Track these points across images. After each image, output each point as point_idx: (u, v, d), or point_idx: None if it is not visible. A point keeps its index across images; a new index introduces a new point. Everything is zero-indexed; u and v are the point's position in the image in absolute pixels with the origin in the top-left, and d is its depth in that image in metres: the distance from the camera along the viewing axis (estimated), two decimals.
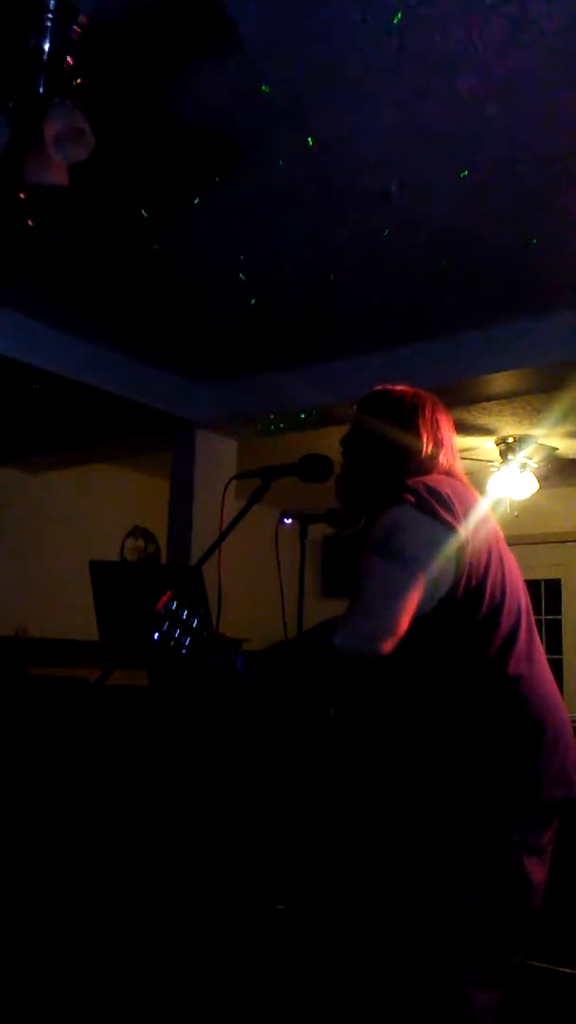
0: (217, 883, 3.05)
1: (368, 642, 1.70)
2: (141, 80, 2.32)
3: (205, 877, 3.07)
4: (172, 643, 1.76)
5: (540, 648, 1.88)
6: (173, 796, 3.23)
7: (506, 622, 1.81)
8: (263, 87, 2.46)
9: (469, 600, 1.79)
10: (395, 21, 2.24)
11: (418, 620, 1.75)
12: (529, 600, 1.91)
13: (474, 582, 1.79)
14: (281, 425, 5.02)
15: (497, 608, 1.80)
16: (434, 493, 1.80)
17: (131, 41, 2.17)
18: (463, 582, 1.78)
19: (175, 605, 1.76)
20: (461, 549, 1.77)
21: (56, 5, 2.10)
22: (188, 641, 1.77)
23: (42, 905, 3.18)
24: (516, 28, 2.26)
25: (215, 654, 1.81)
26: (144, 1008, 2.82)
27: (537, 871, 1.74)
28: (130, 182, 2.68)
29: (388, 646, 1.69)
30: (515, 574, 1.90)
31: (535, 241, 3.21)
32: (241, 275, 3.52)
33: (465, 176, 2.84)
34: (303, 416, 4.86)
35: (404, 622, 1.70)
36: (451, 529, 1.77)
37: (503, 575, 1.85)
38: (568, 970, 2.71)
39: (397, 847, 1.86)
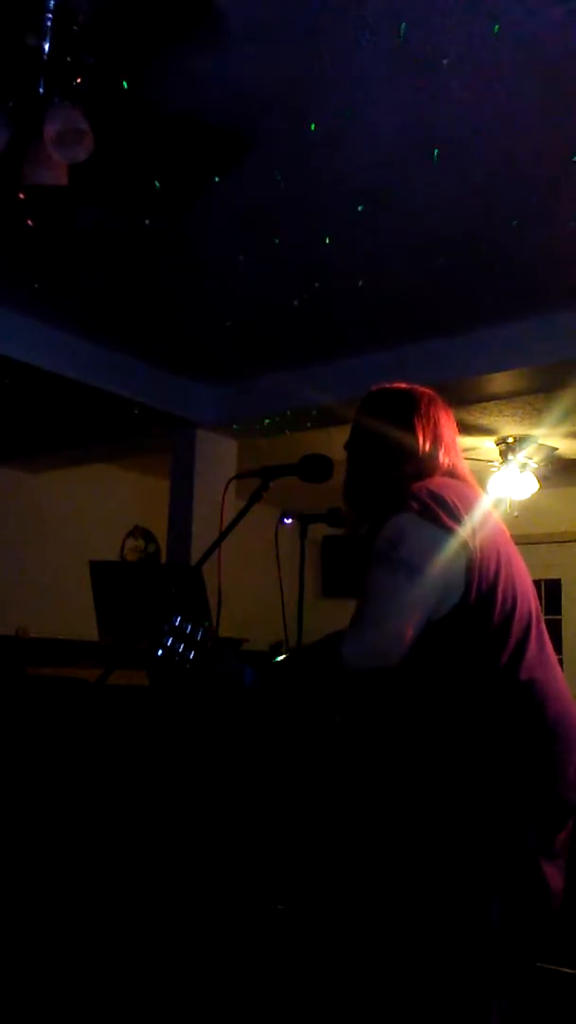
0: (218, 883, 3.05)
1: (375, 654, 1.68)
2: (136, 74, 2.32)
3: (206, 877, 3.07)
4: (177, 659, 1.76)
5: (551, 650, 1.86)
6: (174, 796, 3.23)
7: (518, 625, 1.78)
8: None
9: (481, 606, 1.76)
10: (401, 28, 2.23)
11: (430, 627, 1.73)
12: (538, 600, 1.90)
13: (485, 587, 1.76)
14: (276, 420, 5.02)
15: (510, 612, 1.78)
16: (437, 499, 1.77)
17: (116, 28, 2.15)
18: (474, 588, 1.75)
19: (179, 620, 1.76)
20: (468, 555, 1.75)
21: (56, 5, 2.10)
22: (192, 655, 1.77)
23: (42, 905, 3.17)
24: (515, 28, 2.26)
25: (220, 667, 1.80)
26: (144, 1008, 2.82)
27: (554, 876, 1.73)
28: (132, 179, 2.67)
29: (396, 657, 1.68)
30: (524, 575, 1.87)
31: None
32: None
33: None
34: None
35: (410, 632, 1.69)
36: (456, 536, 1.74)
37: (512, 577, 1.82)
38: (568, 970, 2.71)
39: (414, 855, 1.83)
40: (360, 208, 3.14)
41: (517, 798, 1.71)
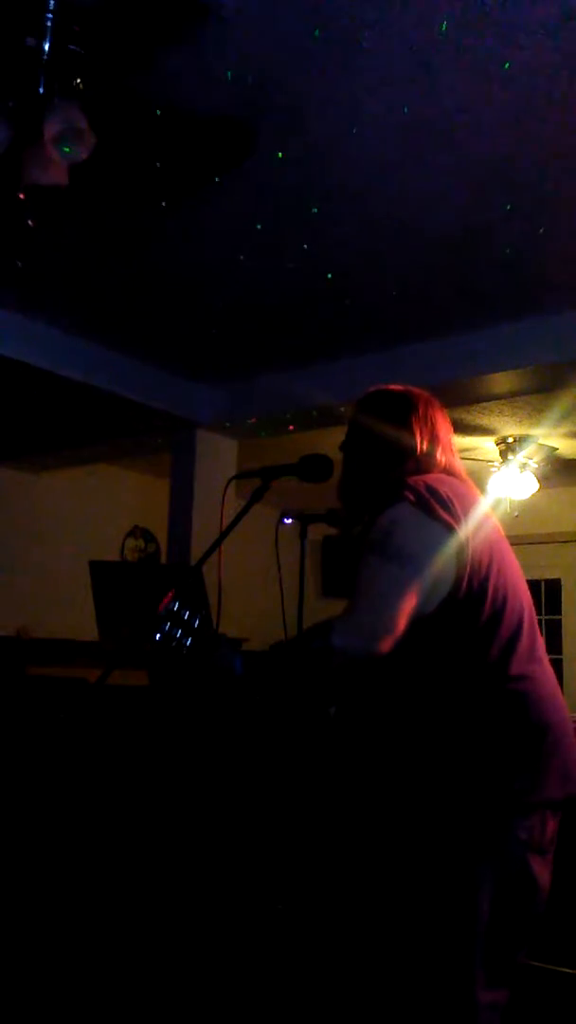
0: (217, 883, 3.05)
1: (366, 642, 1.70)
2: (130, 70, 2.32)
3: (205, 877, 3.07)
4: (173, 644, 1.76)
5: (543, 648, 1.87)
6: (173, 796, 3.23)
7: (509, 622, 1.80)
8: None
9: (472, 601, 1.78)
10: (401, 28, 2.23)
11: (420, 621, 1.74)
12: (531, 600, 1.91)
13: (476, 582, 1.78)
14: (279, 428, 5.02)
15: (500, 608, 1.80)
16: (433, 492, 1.79)
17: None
18: (465, 582, 1.77)
19: (177, 606, 1.76)
20: (461, 549, 1.77)
21: (56, 5, 2.10)
22: (189, 642, 1.77)
23: (42, 905, 3.17)
24: (515, 26, 2.26)
25: (216, 655, 1.81)
26: (144, 1008, 2.82)
27: (542, 870, 1.74)
28: (138, 173, 2.66)
29: (386, 645, 1.69)
30: (517, 574, 1.90)
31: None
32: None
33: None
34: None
35: (402, 622, 1.70)
36: (450, 529, 1.76)
37: (505, 575, 1.84)
38: (568, 970, 2.71)
39: (401, 848, 1.85)
40: (359, 208, 3.14)
41: (504, 791, 1.72)
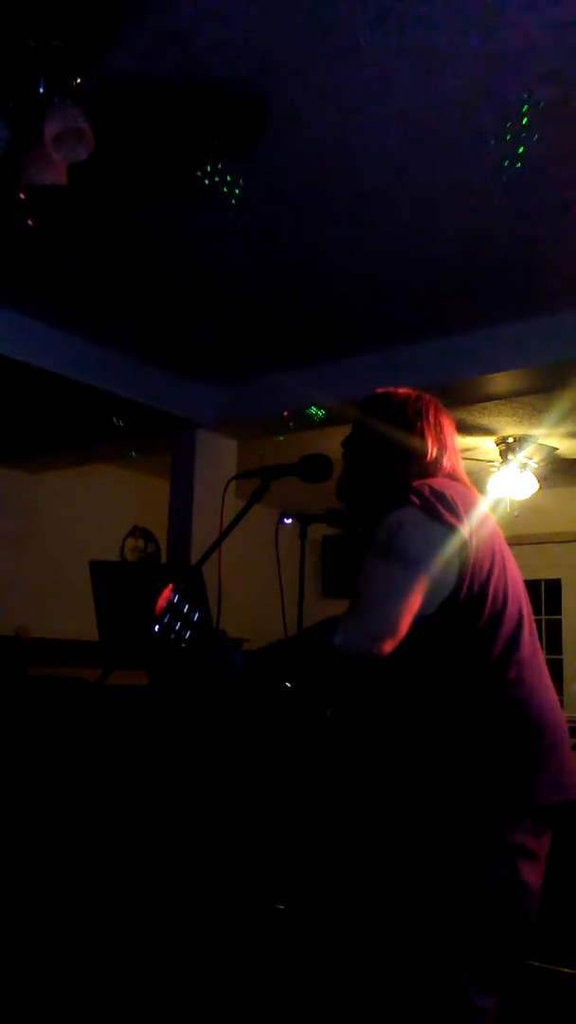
0: (217, 883, 3.05)
1: (368, 642, 1.71)
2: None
3: (205, 877, 3.08)
4: (173, 636, 1.77)
5: (540, 652, 1.88)
6: (173, 796, 3.23)
7: (507, 626, 1.81)
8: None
9: (471, 604, 1.79)
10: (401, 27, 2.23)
11: (419, 623, 1.75)
12: (530, 604, 1.92)
13: (476, 586, 1.79)
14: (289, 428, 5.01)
15: (499, 612, 1.80)
16: (439, 496, 1.80)
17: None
18: (465, 586, 1.78)
19: (177, 599, 1.77)
20: (464, 552, 1.78)
21: (56, 5, 2.10)
22: (188, 635, 1.78)
23: (42, 905, 3.18)
24: (515, 26, 2.26)
25: (215, 650, 1.81)
26: (144, 1008, 2.82)
27: (532, 876, 1.74)
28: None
29: (388, 647, 1.70)
30: (516, 578, 1.90)
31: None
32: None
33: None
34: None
35: (405, 623, 1.71)
36: (454, 532, 1.77)
37: (505, 579, 1.85)
38: (568, 970, 2.71)
39: (394, 850, 1.86)
40: (360, 209, 3.14)
41: (496, 796, 1.73)
